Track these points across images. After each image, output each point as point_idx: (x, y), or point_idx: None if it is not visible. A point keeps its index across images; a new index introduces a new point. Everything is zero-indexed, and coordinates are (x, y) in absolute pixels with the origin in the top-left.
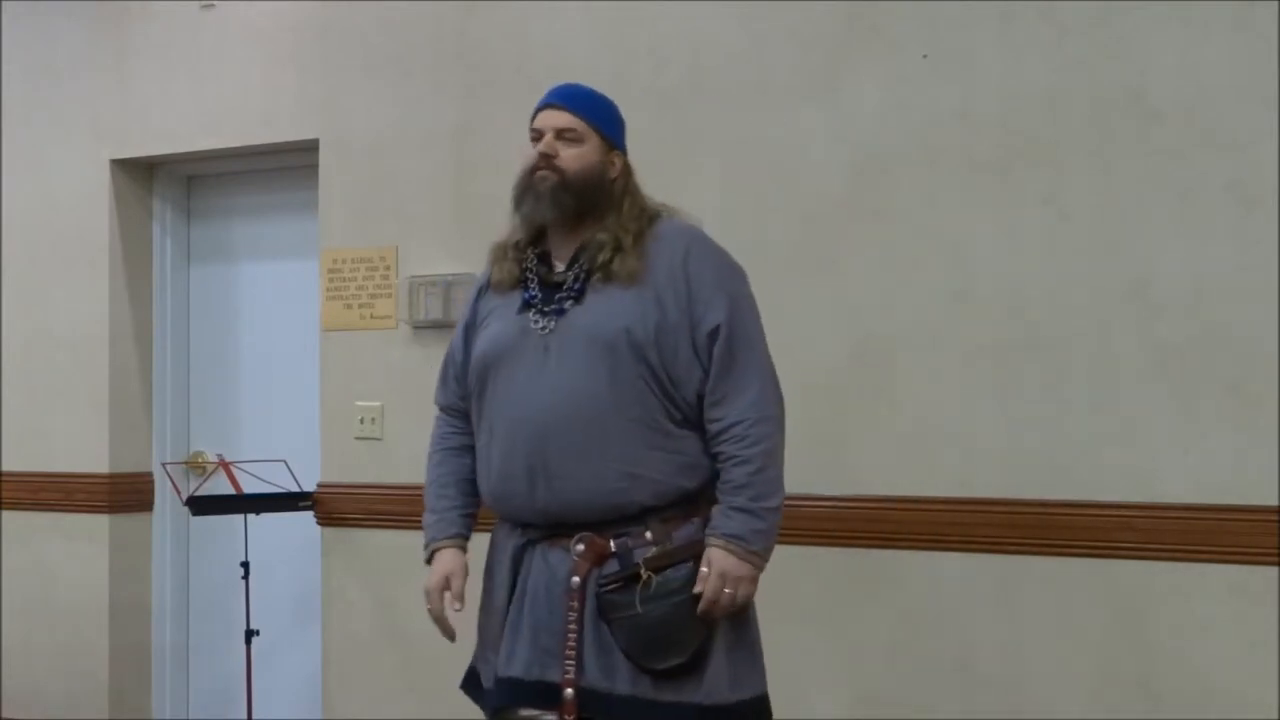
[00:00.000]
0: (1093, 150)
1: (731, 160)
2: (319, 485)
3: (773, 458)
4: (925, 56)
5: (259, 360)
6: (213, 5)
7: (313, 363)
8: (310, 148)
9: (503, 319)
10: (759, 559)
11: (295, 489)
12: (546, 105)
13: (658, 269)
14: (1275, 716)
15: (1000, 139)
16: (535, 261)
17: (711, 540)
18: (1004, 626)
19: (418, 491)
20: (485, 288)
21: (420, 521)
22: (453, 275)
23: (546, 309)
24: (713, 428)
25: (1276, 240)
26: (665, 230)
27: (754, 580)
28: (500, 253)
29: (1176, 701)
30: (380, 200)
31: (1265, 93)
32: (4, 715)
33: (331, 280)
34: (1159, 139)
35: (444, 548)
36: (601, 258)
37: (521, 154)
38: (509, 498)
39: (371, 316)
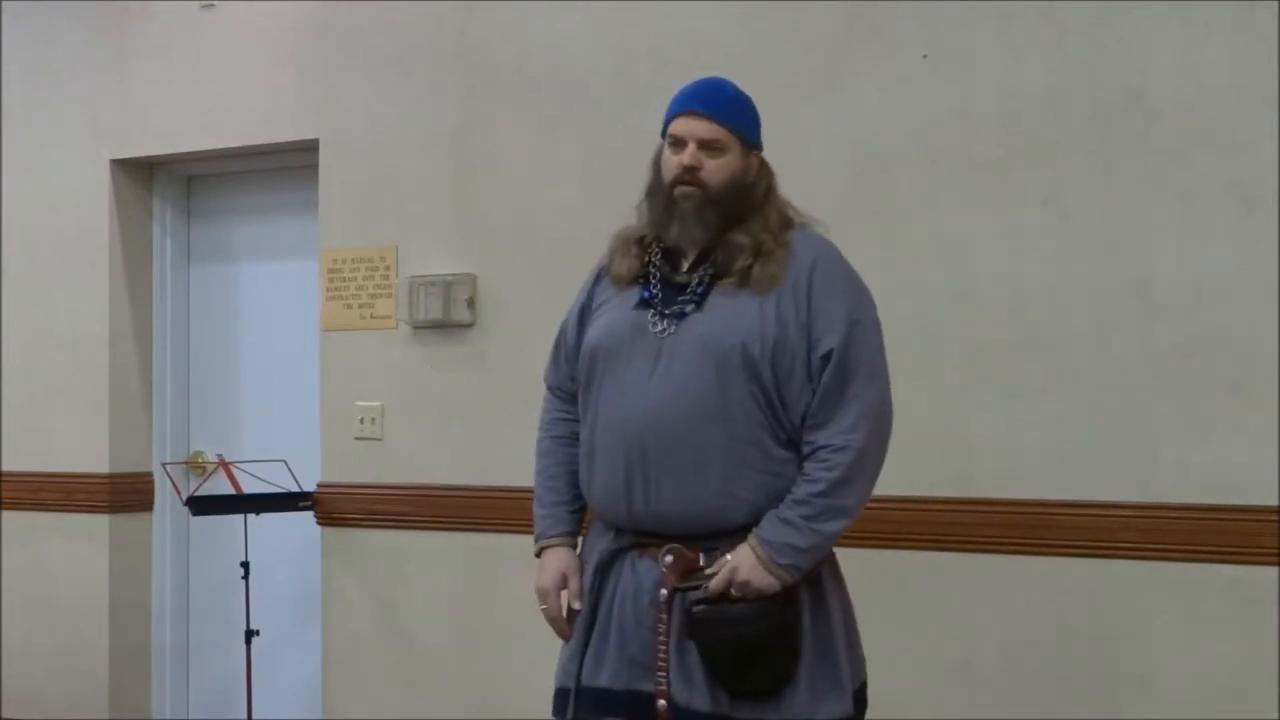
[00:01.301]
0: (1093, 150)
1: None
2: (319, 485)
3: (843, 488)
4: (925, 56)
5: (259, 360)
6: (213, 5)
7: (313, 363)
8: (310, 148)
9: (618, 312)
10: (783, 574)
11: (295, 489)
12: (688, 111)
13: (784, 281)
14: (1275, 717)
15: (1000, 139)
16: (659, 257)
17: (749, 538)
18: (1004, 626)
19: (417, 492)
20: (605, 272)
21: (416, 523)
22: (453, 275)
23: (666, 311)
24: (805, 450)
25: (1276, 240)
26: (795, 241)
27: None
28: (623, 246)
29: (1176, 701)
30: (380, 200)
31: (1265, 93)
32: (4, 715)
33: (331, 280)
34: (1159, 139)
35: (554, 546)
36: (741, 263)
37: (658, 154)
38: (604, 500)
39: (371, 316)
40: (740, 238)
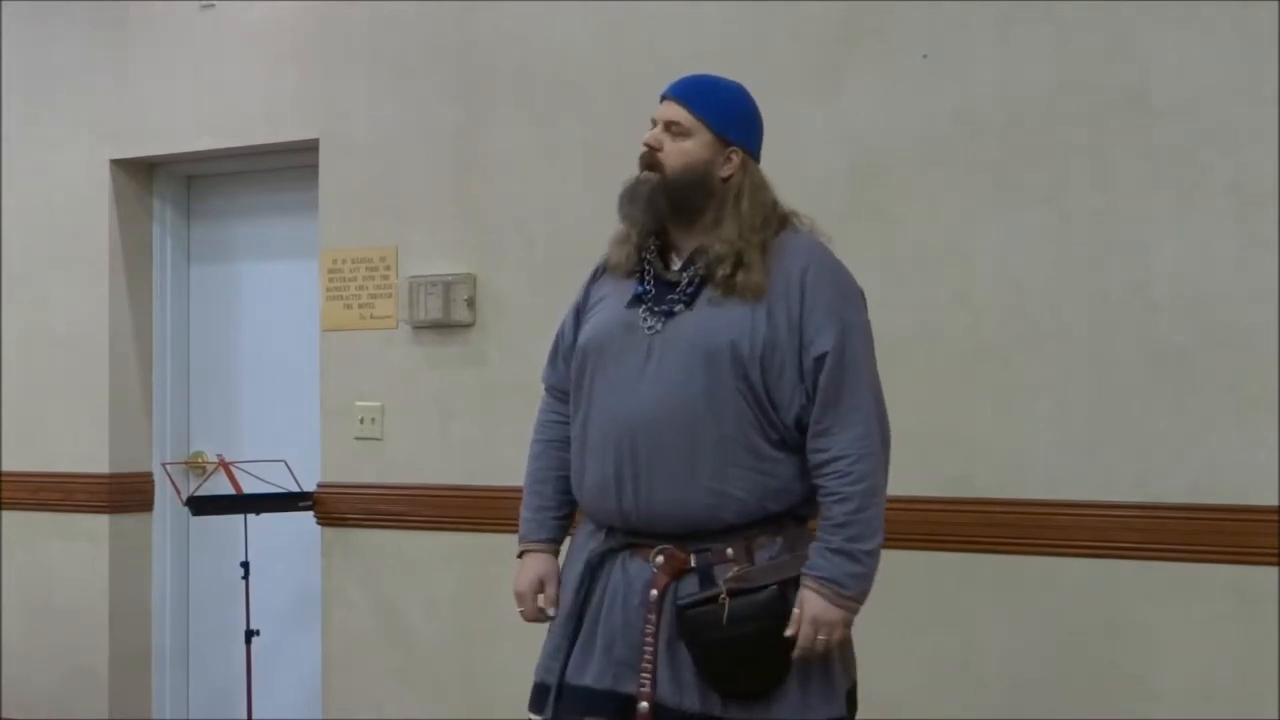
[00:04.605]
0: (1093, 150)
1: None
2: (319, 485)
3: (873, 497)
4: (925, 57)
5: (259, 360)
6: (213, 5)
7: (313, 363)
8: (310, 148)
9: (611, 310)
10: (853, 603)
11: (295, 489)
12: (663, 96)
13: (775, 284)
14: (1275, 717)
15: (1000, 139)
16: (654, 253)
17: (806, 581)
18: (1004, 626)
19: (417, 492)
20: (601, 270)
21: (416, 523)
22: (453, 275)
23: (657, 308)
24: (814, 459)
25: (1276, 240)
26: (788, 244)
27: (847, 624)
28: (624, 234)
29: (1176, 701)
30: (380, 200)
31: (1265, 93)
32: (4, 715)
33: (331, 280)
34: (1159, 139)
35: (534, 551)
36: (722, 272)
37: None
38: (595, 497)
39: (371, 316)
40: (718, 246)
